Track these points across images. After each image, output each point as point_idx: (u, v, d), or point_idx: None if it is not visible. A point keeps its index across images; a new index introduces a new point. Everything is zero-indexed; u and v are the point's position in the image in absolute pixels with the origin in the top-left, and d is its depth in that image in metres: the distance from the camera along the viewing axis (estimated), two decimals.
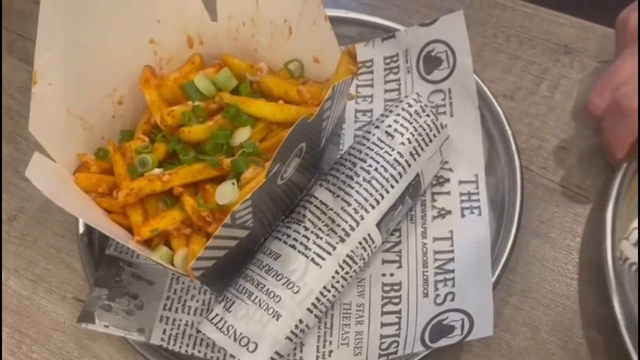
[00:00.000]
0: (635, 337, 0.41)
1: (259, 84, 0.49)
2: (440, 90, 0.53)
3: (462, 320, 0.41)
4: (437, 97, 0.53)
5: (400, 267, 0.47)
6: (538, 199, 0.50)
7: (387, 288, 0.46)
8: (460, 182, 0.50)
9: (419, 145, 0.46)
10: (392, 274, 0.47)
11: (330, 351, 0.44)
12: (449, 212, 0.49)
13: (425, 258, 0.47)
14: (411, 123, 0.46)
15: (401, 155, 0.45)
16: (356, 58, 0.41)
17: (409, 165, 0.45)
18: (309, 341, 0.45)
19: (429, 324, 0.43)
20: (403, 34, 0.55)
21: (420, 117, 0.47)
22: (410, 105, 0.47)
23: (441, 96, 0.53)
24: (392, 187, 0.45)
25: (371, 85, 0.56)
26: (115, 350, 0.48)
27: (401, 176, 0.45)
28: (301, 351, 0.45)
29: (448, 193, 0.50)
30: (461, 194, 0.49)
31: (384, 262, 0.48)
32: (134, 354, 0.48)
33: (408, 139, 0.46)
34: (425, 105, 0.47)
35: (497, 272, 0.44)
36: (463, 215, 0.48)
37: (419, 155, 0.46)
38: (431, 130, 0.47)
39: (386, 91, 0.55)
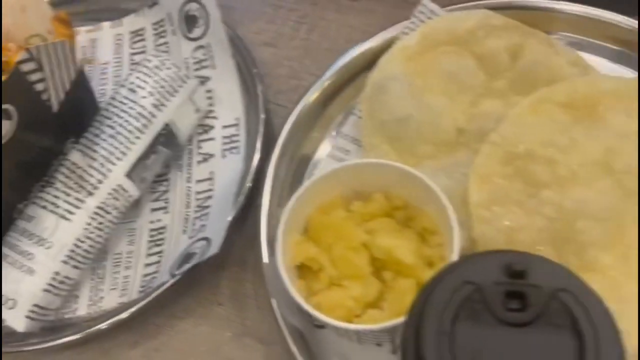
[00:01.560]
0: None
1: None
2: (202, 46, 0.56)
3: (203, 245, 0.45)
4: (200, 52, 0.56)
5: (167, 212, 0.51)
6: None
7: (153, 233, 0.50)
8: (224, 127, 0.54)
9: (163, 97, 0.49)
10: (159, 220, 0.50)
11: (102, 297, 0.48)
12: (212, 155, 0.52)
13: (188, 200, 0.50)
14: (151, 77, 0.49)
15: (144, 108, 0.48)
16: (68, 22, 0.44)
17: (154, 116, 0.49)
18: (83, 293, 0.48)
19: (181, 256, 0.46)
20: None
21: (161, 70, 0.50)
22: (149, 61, 0.50)
23: (203, 51, 0.56)
24: (138, 138, 0.48)
25: (144, 52, 0.59)
26: None
27: (147, 127, 0.48)
28: (76, 303, 0.48)
29: (213, 139, 0.53)
30: (224, 137, 0.53)
31: (152, 210, 0.51)
32: None
33: (150, 92, 0.49)
34: (166, 59, 0.50)
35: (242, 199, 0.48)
36: (224, 156, 0.52)
37: (164, 106, 0.49)
38: (175, 82, 0.50)
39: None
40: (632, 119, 0.45)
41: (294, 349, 0.41)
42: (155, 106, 0.49)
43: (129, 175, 0.47)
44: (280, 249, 0.39)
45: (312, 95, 0.52)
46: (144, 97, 0.49)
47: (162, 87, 0.49)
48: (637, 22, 0.51)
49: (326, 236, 0.42)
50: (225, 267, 0.48)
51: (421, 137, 0.49)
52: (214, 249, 0.43)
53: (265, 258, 0.44)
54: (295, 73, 0.56)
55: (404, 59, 0.51)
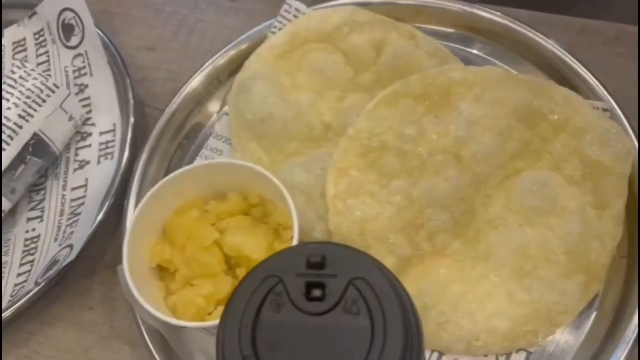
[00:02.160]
0: None
1: None
2: (80, 54, 0.57)
3: (67, 253, 0.46)
4: (79, 60, 0.57)
5: (41, 221, 0.51)
6: None
7: (27, 242, 0.50)
8: (101, 133, 0.54)
9: (29, 107, 0.50)
10: (34, 229, 0.51)
11: None
12: (88, 162, 0.53)
13: (62, 208, 0.51)
14: (16, 88, 0.50)
15: (8, 120, 0.49)
16: None
17: (20, 127, 0.49)
18: None
19: (47, 264, 0.47)
20: (42, 9, 0.59)
21: (27, 80, 0.50)
22: (13, 72, 0.50)
23: (81, 59, 0.57)
24: (4, 149, 0.48)
25: (25, 62, 0.59)
26: None
27: (12, 138, 0.49)
28: None
29: (89, 145, 0.54)
30: (100, 144, 0.54)
31: (28, 219, 0.51)
32: None
33: (15, 103, 0.49)
34: (32, 70, 0.51)
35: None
36: (99, 162, 0.52)
37: (31, 116, 0.50)
38: (42, 91, 0.51)
39: (39, 64, 0.59)
40: (481, 105, 0.47)
41: (152, 348, 0.42)
42: (21, 117, 0.49)
43: None
44: (126, 253, 0.40)
45: (183, 98, 0.52)
46: (9, 109, 0.49)
47: (28, 97, 0.50)
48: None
49: (180, 237, 0.43)
50: (97, 271, 0.48)
51: (287, 134, 0.50)
52: (72, 255, 0.44)
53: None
54: (173, 76, 0.57)
55: (273, 57, 0.52)
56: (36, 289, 0.45)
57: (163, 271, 0.43)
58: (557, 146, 0.46)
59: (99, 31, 0.55)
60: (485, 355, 0.42)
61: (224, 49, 0.54)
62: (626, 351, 0.39)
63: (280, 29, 0.53)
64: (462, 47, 0.53)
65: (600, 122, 0.45)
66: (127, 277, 0.39)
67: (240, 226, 0.43)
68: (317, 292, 0.30)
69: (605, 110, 0.46)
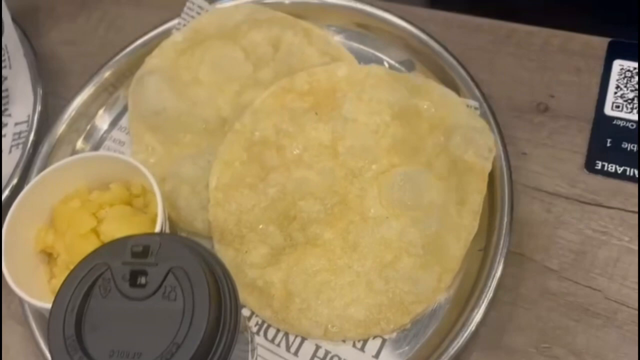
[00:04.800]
0: None
1: None
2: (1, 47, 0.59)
3: None
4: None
5: None
6: None
7: None
8: (16, 124, 0.57)
9: None
10: None
11: None
12: (0, 151, 0.56)
13: None
14: None
15: None
16: None
17: None
18: None
19: None
20: None
21: None
22: None
23: (3, 52, 0.59)
24: None
25: None
26: None
27: None
28: None
29: (4, 135, 0.56)
30: (14, 134, 0.56)
31: None
32: None
33: None
34: None
35: None
36: (10, 152, 0.55)
37: None
38: None
39: None
40: (361, 102, 0.49)
41: (33, 327, 0.45)
42: None
43: None
44: (4, 242, 0.43)
45: (90, 89, 0.55)
46: None
47: None
48: None
49: (62, 224, 0.45)
50: None
51: (182, 127, 0.52)
52: None
53: None
54: (89, 69, 0.59)
55: (174, 52, 0.54)
56: None
57: (49, 256, 0.46)
58: (430, 143, 0.48)
59: (16, 25, 0.57)
60: (344, 341, 0.44)
61: (134, 44, 0.57)
62: (464, 340, 0.41)
63: (184, 25, 0.56)
64: (360, 45, 0.55)
65: (469, 121, 0.47)
66: (3, 260, 0.42)
67: (119, 215, 0.45)
68: (141, 280, 0.33)
69: (476, 108, 0.48)
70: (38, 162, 0.51)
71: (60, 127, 0.53)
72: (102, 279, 0.33)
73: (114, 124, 0.55)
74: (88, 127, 0.55)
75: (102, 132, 0.55)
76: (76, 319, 0.32)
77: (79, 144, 0.54)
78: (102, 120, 0.55)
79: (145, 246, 0.33)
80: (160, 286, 0.33)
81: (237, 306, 0.34)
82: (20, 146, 0.55)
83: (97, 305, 0.33)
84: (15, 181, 0.52)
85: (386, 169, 0.48)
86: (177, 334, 0.31)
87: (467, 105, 0.48)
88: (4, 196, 0.51)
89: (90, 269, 0.33)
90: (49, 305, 0.41)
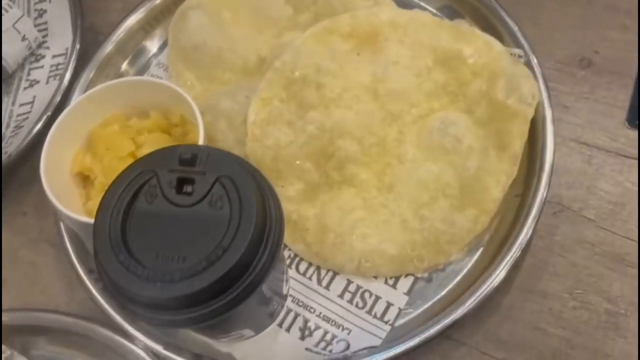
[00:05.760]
0: None
1: None
2: None
3: (6, 159, 0.49)
4: None
5: None
6: None
7: None
8: (54, 56, 0.57)
9: None
10: None
11: None
12: (38, 81, 0.56)
13: (9, 121, 0.54)
14: None
15: None
16: None
17: None
18: None
19: None
20: None
21: None
22: None
23: None
24: None
25: None
26: None
27: None
28: None
29: (42, 67, 0.57)
30: (52, 66, 0.56)
31: None
32: None
33: None
34: None
35: None
36: (47, 83, 0.55)
37: None
38: None
39: None
40: (403, 46, 0.49)
41: (68, 248, 0.45)
42: None
43: None
44: (44, 158, 0.43)
45: (130, 23, 0.55)
46: None
47: None
48: None
49: (100, 148, 0.45)
50: (35, 181, 0.51)
51: (221, 64, 0.52)
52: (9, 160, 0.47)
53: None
54: (129, 6, 0.59)
55: None
56: None
57: (85, 180, 0.47)
58: (472, 90, 0.47)
59: None
60: (376, 277, 0.44)
61: None
62: (498, 281, 0.41)
63: None
64: None
65: (513, 68, 0.47)
66: (42, 178, 0.42)
67: (157, 142, 0.45)
68: (188, 188, 0.33)
69: (520, 57, 0.48)
70: (77, 88, 0.52)
71: (97, 60, 0.53)
72: (149, 185, 0.33)
73: (152, 60, 0.55)
74: (126, 62, 0.55)
75: (140, 67, 0.55)
76: (122, 221, 0.32)
77: (117, 77, 0.54)
78: (141, 56, 0.55)
79: (193, 154, 0.33)
80: (207, 194, 0.33)
81: (281, 219, 0.34)
82: (58, 77, 0.55)
83: (143, 210, 0.33)
84: (49, 113, 0.52)
85: (426, 113, 0.47)
86: (223, 239, 0.31)
87: (511, 54, 0.48)
88: (39, 125, 0.51)
89: (136, 175, 0.34)
90: (89, 220, 0.42)
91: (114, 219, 0.33)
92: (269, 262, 0.33)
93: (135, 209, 0.33)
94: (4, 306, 0.45)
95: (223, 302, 0.31)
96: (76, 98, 0.51)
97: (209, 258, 0.31)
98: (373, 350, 0.40)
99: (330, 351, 0.41)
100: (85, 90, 0.52)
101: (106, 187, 0.44)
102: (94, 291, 0.44)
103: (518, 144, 0.45)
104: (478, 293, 0.41)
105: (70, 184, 0.46)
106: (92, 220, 0.41)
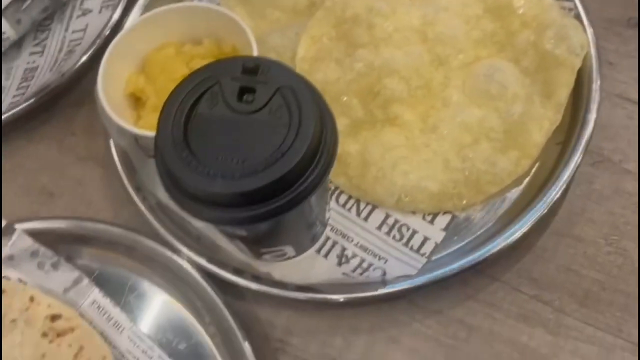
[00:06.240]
0: None
1: None
2: None
3: (58, 79, 0.50)
4: None
5: (41, 55, 0.56)
6: None
7: (27, 71, 0.55)
8: None
9: None
10: (34, 62, 0.55)
11: None
12: (91, 10, 0.57)
13: (61, 46, 0.55)
14: None
15: None
16: None
17: None
18: None
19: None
20: None
21: None
22: None
23: None
24: None
25: None
26: None
27: None
28: None
29: None
30: None
31: (30, 54, 0.56)
32: None
33: None
34: None
35: None
36: (100, 12, 0.57)
37: None
38: None
39: None
40: None
41: (118, 164, 0.47)
42: None
43: (3, 13, 0.53)
44: (101, 79, 0.44)
45: None
46: None
47: None
48: None
49: (155, 70, 0.47)
50: (86, 103, 0.53)
51: (272, 2, 0.53)
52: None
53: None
54: None
55: None
56: (24, 105, 0.50)
57: (137, 101, 0.48)
58: (520, 40, 0.48)
59: None
60: (414, 213, 0.45)
61: None
62: (533, 222, 0.42)
63: None
64: None
65: (562, 20, 0.47)
66: (101, 99, 0.44)
67: None
68: (249, 97, 0.34)
69: (570, 10, 0.48)
70: (129, 21, 0.53)
71: None
72: (211, 92, 0.34)
73: None
74: None
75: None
76: (184, 122, 0.34)
77: None
78: None
79: (256, 64, 0.34)
80: (267, 103, 0.34)
81: (335, 135, 0.35)
82: (110, 7, 0.56)
83: (204, 114, 0.34)
84: (100, 40, 0.53)
85: (472, 60, 0.48)
86: (282, 143, 0.32)
87: (561, 7, 0.48)
88: (95, 44, 0.52)
89: (200, 80, 0.35)
90: (145, 131, 0.43)
91: (177, 119, 0.34)
92: (322, 172, 0.34)
93: (197, 113, 0.34)
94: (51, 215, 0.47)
95: (279, 203, 0.32)
96: (132, 21, 0.52)
97: (268, 160, 0.32)
98: (409, 277, 0.42)
99: (367, 277, 0.43)
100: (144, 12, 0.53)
101: (157, 109, 0.47)
102: (142, 206, 0.45)
103: (564, 93, 0.45)
104: (513, 231, 0.42)
105: (122, 103, 0.47)
106: (147, 132, 0.43)
